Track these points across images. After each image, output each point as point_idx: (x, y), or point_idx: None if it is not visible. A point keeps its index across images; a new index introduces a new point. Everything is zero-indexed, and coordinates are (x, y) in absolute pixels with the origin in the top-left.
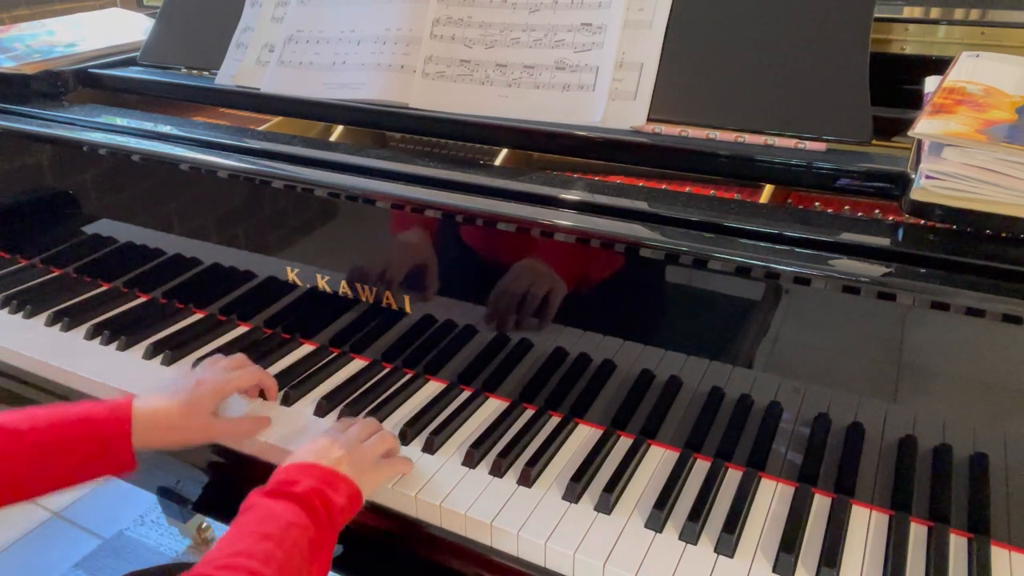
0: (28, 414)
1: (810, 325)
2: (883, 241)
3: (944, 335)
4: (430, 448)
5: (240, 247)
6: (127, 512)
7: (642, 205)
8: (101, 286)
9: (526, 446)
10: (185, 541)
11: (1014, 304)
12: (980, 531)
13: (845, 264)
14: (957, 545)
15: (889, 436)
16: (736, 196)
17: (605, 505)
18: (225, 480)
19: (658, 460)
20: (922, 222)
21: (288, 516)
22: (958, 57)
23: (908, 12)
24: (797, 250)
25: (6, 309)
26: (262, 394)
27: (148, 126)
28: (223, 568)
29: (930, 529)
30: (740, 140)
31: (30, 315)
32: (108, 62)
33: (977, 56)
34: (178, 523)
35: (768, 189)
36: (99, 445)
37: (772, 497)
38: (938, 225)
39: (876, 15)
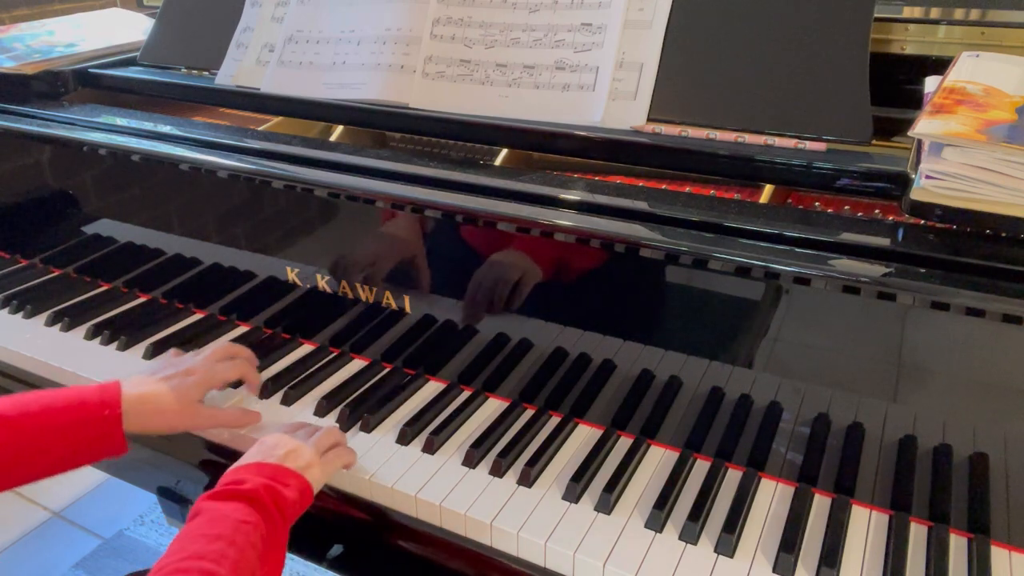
0: (17, 400)
1: (810, 325)
2: (883, 241)
3: (944, 335)
4: (430, 448)
5: (240, 247)
6: (127, 512)
7: (642, 205)
8: (101, 286)
9: (526, 446)
10: None
11: (1014, 304)
12: (980, 531)
13: (845, 264)
14: (957, 545)
15: (889, 436)
16: (736, 196)
17: (605, 505)
18: None
19: (658, 460)
20: (922, 222)
21: (237, 515)
22: (958, 57)
23: (908, 12)
24: (797, 250)
25: (6, 309)
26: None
27: (148, 126)
28: (174, 572)
29: (930, 529)
30: (740, 140)
31: (30, 315)
32: (108, 62)
33: (977, 56)
34: (178, 523)
35: (768, 189)
36: (91, 429)
37: (772, 497)
38: (938, 225)
39: (876, 15)
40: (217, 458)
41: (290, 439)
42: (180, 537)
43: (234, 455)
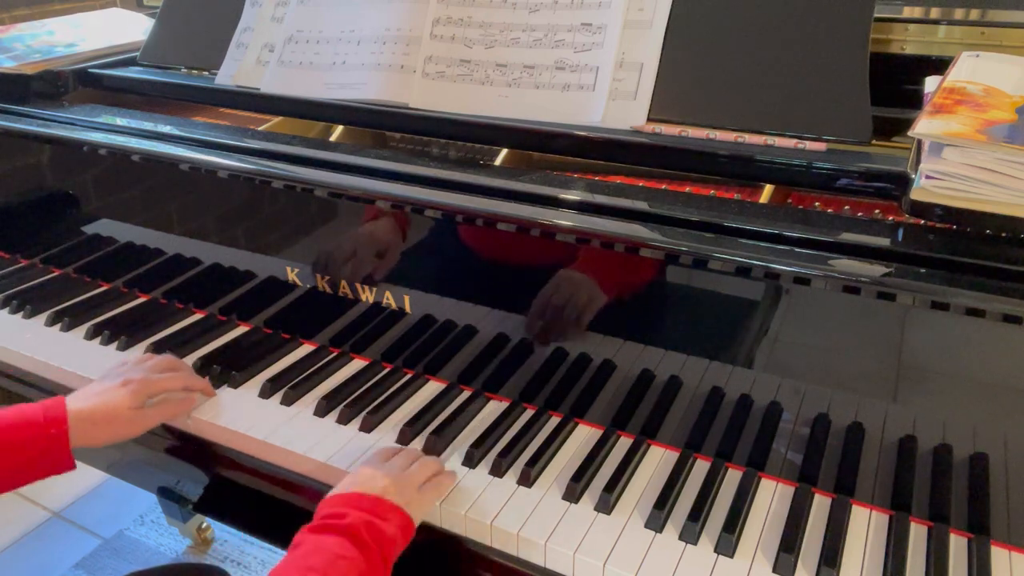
0: None
1: (810, 325)
2: (883, 241)
3: (944, 335)
4: (430, 448)
5: (240, 247)
6: (127, 512)
7: (642, 205)
8: (101, 286)
9: (526, 446)
10: (185, 541)
11: (1014, 304)
12: (980, 531)
13: (845, 264)
14: (957, 545)
15: (889, 436)
16: (736, 196)
17: (605, 505)
18: (226, 481)
19: (658, 460)
20: (922, 222)
21: (335, 549)
22: (958, 57)
23: (908, 12)
24: (797, 250)
25: (6, 309)
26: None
27: (148, 126)
28: None
29: (930, 529)
30: (740, 140)
31: (30, 315)
32: (108, 62)
33: (977, 56)
34: (178, 523)
35: (768, 189)
36: (38, 447)
37: (772, 497)
38: (938, 225)
39: (876, 15)
40: (225, 461)
41: (387, 470)
42: (276, 569)
43: (241, 455)
